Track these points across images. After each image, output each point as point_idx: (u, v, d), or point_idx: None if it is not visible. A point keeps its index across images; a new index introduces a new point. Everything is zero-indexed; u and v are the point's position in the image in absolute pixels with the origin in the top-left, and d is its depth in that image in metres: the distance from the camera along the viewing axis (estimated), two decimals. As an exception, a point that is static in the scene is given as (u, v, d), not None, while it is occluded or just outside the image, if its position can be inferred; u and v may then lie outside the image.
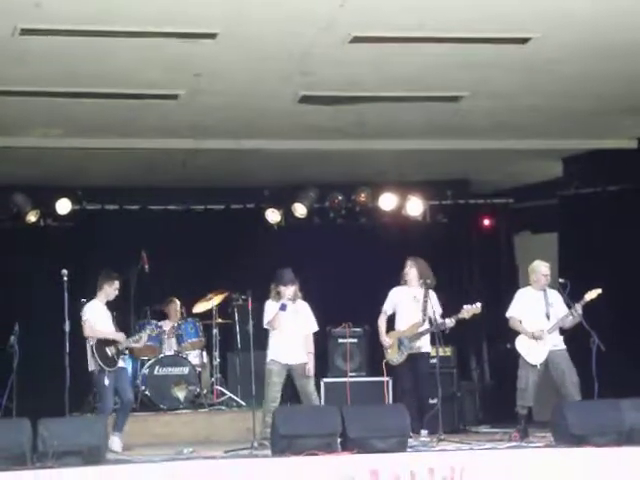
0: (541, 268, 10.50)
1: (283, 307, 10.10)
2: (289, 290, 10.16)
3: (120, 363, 10.27)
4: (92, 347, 10.20)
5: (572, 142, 11.90)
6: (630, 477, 8.80)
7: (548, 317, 10.35)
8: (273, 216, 13.50)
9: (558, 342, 10.35)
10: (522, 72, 9.35)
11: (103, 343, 10.22)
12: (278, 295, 10.18)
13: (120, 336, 10.34)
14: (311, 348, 10.31)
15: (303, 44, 8.51)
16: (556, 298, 10.41)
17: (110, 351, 10.22)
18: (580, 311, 10.17)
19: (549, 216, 13.15)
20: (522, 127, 11.27)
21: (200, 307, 12.85)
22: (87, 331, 10.25)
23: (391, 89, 9.97)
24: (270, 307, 10.23)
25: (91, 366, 10.23)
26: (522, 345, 10.37)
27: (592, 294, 10.17)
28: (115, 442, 10.02)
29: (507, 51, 8.76)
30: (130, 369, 11.30)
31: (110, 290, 10.33)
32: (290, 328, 10.15)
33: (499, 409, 11.97)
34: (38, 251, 12.72)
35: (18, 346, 9.77)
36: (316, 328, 10.51)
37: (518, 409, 10.32)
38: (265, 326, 10.25)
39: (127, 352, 10.59)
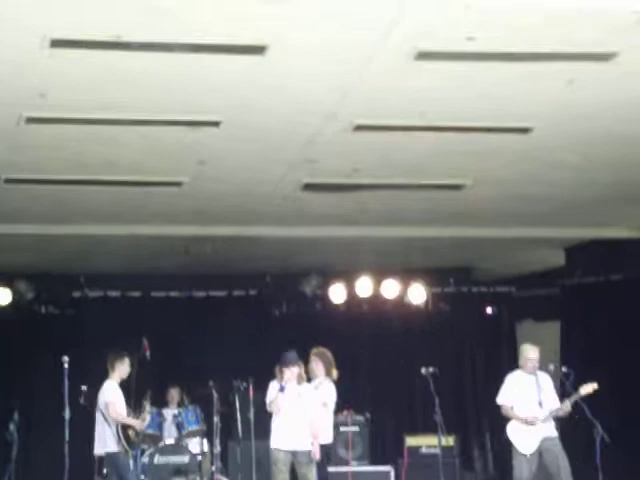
0: (527, 352, 10.42)
1: (282, 389, 9.98)
2: (291, 371, 10.06)
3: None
4: (117, 429, 10.19)
5: (574, 231, 11.92)
6: None
7: (541, 404, 10.22)
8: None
9: (551, 430, 10.22)
10: (524, 161, 9.39)
11: (125, 426, 10.19)
12: (282, 377, 10.09)
13: (137, 422, 10.27)
14: (316, 432, 10.12)
15: (306, 133, 8.56)
16: (547, 383, 10.32)
17: (132, 433, 10.18)
18: (569, 408, 10.03)
19: (551, 305, 13.12)
20: (524, 215, 11.30)
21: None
22: (113, 413, 10.25)
23: (394, 177, 10.00)
24: (273, 388, 10.14)
25: (112, 447, 10.16)
26: (513, 433, 10.25)
27: (588, 388, 10.02)
28: None
29: (509, 140, 8.81)
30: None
31: (123, 368, 10.33)
32: (293, 412, 10.01)
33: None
34: (39, 338, 12.68)
35: (17, 434, 9.68)
36: (321, 413, 10.32)
37: None
38: (267, 408, 10.15)
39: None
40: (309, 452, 9.96)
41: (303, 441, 10.01)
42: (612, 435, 9.82)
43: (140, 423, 10.31)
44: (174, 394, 12.77)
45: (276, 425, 10.07)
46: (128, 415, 10.39)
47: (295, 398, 10.05)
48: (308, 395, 10.21)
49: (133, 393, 11.99)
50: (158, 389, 12.72)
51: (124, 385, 10.98)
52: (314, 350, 10.79)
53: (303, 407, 10.09)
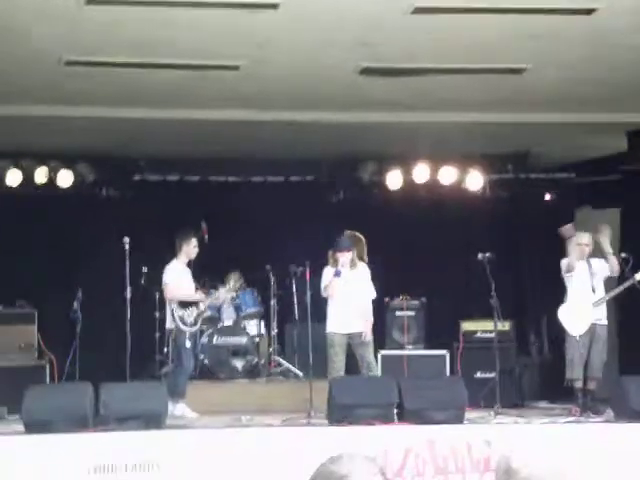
0: (578, 238, 10.47)
1: (338, 273, 10.11)
2: (345, 257, 10.16)
3: (197, 326, 10.46)
4: (172, 310, 10.44)
5: (636, 115, 11.74)
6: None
7: (594, 290, 10.32)
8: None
9: (602, 316, 10.32)
10: (586, 43, 9.23)
11: (184, 305, 10.40)
12: (335, 262, 10.20)
13: (200, 296, 10.47)
14: (368, 316, 10.32)
15: (365, 15, 8.48)
16: (599, 267, 10.37)
17: (191, 313, 10.39)
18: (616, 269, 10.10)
19: (612, 191, 12.99)
20: (586, 100, 11.14)
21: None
22: (168, 294, 10.47)
23: (453, 61, 9.89)
24: (327, 273, 10.27)
25: (170, 325, 10.44)
26: (564, 316, 10.36)
27: None
28: (181, 409, 10.18)
29: (572, 22, 8.65)
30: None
31: (189, 249, 10.50)
32: (347, 296, 10.15)
33: (558, 384, 11.90)
34: (100, 220, 12.87)
35: (81, 312, 9.92)
36: (374, 295, 10.53)
37: (567, 382, 10.32)
38: (322, 293, 10.30)
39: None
40: (362, 333, 10.13)
41: (358, 323, 10.16)
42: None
43: (202, 297, 10.49)
44: (233, 277, 12.92)
45: (332, 309, 10.23)
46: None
47: (349, 282, 10.18)
48: (361, 278, 10.33)
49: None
50: (216, 273, 12.90)
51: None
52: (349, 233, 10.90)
53: (357, 291, 10.22)
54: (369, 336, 10.27)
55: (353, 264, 10.28)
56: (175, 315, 10.43)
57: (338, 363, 10.05)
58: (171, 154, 13.10)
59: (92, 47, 9.18)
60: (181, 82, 10.31)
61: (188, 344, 10.48)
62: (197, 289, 10.69)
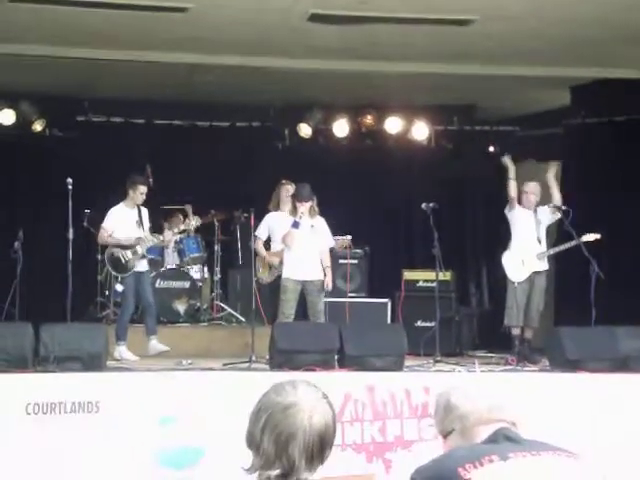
0: (525, 186, 10.63)
1: (295, 224, 10.11)
2: (304, 206, 10.17)
3: (139, 267, 10.41)
4: (105, 255, 10.47)
5: (580, 70, 11.84)
6: (624, 402, 8.94)
7: (539, 240, 10.51)
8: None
9: (543, 266, 10.52)
10: (533, -4, 9.29)
11: (119, 248, 10.37)
12: (295, 210, 10.19)
13: (129, 241, 10.39)
14: (329, 263, 10.37)
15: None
16: (544, 215, 10.54)
17: (124, 256, 10.36)
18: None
19: (554, 145, 13.12)
20: (531, 54, 11.21)
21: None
22: (99, 239, 10.47)
23: (401, 10, 9.89)
24: (269, 220, 10.32)
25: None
26: (507, 262, 10.53)
27: (590, 237, 10.29)
28: (153, 346, 10.22)
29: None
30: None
31: (135, 195, 10.43)
32: (306, 244, 10.17)
33: (497, 335, 12.08)
34: (43, 160, 12.74)
35: (22, 252, 9.84)
36: (333, 243, 10.61)
37: (505, 329, 10.51)
38: (255, 233, 10.36)
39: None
40: (321, 282, 10.17)
41: (315, 272, 10.20)
42: (606, 274, 10.03)
43: (137, 239, 10.45)
44: (177, 219, 12.87)
45: (289, 257, 10.22)
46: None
47: (308, 231, 10.19)
48: (321, 227, 10.35)
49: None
50: (160, 215, 12.85)
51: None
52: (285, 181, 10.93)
53: (316, 240, 10.24)
54: (330, 285, 10.31)
55: (312, 213, 10.28)
56: (107, 261, 10.49)
57: (288, 310, 10.08)
58: (117, 96, 12.97)
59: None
60: (129, 23, 10.20)
61: (119, 288, 10.50)
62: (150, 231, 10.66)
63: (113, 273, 10.60)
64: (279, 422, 2.71)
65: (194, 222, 11.31)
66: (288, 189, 10.84)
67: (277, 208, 10.84)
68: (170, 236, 11.11)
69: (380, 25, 10.26)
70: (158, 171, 12.16)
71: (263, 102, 13.34)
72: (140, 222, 10.51)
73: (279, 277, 10.36)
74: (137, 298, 10.46)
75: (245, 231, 11.90)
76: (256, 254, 10.57)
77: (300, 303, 10.25)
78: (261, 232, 10.61)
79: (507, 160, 10.95)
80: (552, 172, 10.84)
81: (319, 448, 2.72)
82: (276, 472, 2.69)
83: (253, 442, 2.75)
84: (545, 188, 10.77)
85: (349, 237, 11.17)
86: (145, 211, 10.63)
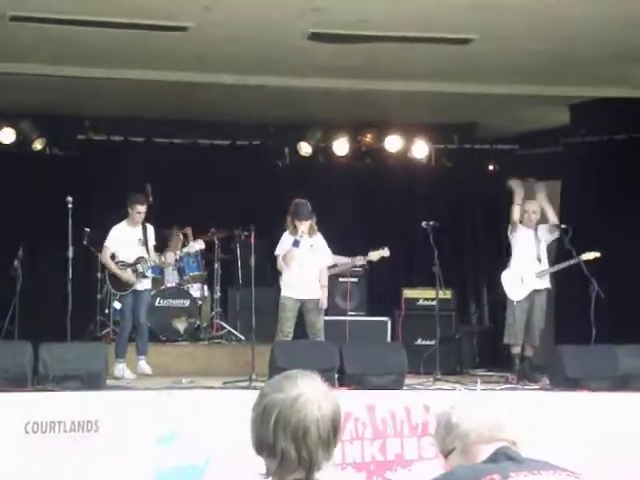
0: (526, 205, 10.62)
1: (295, 243, 10.12)
2: (304, 225, 10.17)
3: (138, 286, 10.41)
4: (106, 272, 10.49)
5: (579, 89, 11.87)
6: (623, 421, 8.92)
7: (539, 259, 10.49)
8: (279, 154, 13.46)
9: (543, 285, 10.51)
10: (532, 15, 9.29)
11: (117, 273, 10.39)
12: (295, 229, 10.19)
13: (126, 275, 10.41)
14: (326, 282, 10.38)
15: (315, -21, 8.47)
16: (544, 233, 10.54)
17: (125, 275, 10.37)
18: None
19: (554, 163, 13.14)
20: (530, 72, 11.23)
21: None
22: (102, 257, 10.49)
23: (401, 29, 9.92)
24: (285, 239, 10.27)
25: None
26: (506, 280, 10.51)
27: (589, 255, 10.29)
28: (140, 367, 10.21)
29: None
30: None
31: (133, 214, 10.45)
32: (305, 263, 10.18)
33: (497, 353, 12.07)
34: (43, 179, 12.75)
35: (22, 270, 9.83)
36: (331, 262, 10.60)
37: (507, 347, 10.49)
38: (276, 253, 10.31)
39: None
40: (318, 300, 10.17)
41: (313, 290, 10.20)
42: (606, 293, 10.02)
43: (128, 276, 10.45)
44: (176, 240, 12.88)
45: (288, 276, 10.22)
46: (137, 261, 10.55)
47: (307, 249, 10.19)
48: (320, 246, 10.35)
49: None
50: (161, 234, 12.84)
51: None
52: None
53: (315, 258, 10.24)
54: (325, 304, 10.32)
55: (312, 231, 10.29)
56: (106, 278, 10.54)
57: (287, 328, 10.08)
58: (117, 114, 12.99)
59: (38, 3, 9.06)
60: (129, 41, 10.22)
61: (118, 305, 10.52)
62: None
63: (112, 290, 10.60)
64: (291, 417, 2.64)
65: (197, 246, 11.34)
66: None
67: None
68: (171, 258, 11.11)
69: (380, 44, 10.28)
70: (158, 189, 12.15)
71: (263, 120, 13.37)
72: (144, 240, 10.53)
73: None
74: (134, 316, 10.46)
75: (245, 249, 11.88)
76: (280, 273, 10.56)
77: (300, 322, 10.24)
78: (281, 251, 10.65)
79: (514, 184, 10.90)
80: (542, 194, 10.77)
81: (333, 434, 2.68)
82: (295, 476, 2.64)
83: (265, 445, 2.67)
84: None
85: (386, 250, 11.09)
86: (151, 229, 10.67)
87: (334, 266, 11.17)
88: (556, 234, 10.50)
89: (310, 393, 2.68)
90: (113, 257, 10.53)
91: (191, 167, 13.22)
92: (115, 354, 10.18)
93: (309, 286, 10.18)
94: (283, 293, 10.19)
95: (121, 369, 10.14)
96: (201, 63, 11.07)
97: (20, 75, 11.07)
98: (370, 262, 11.28)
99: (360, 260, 11.17)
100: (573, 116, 12.70)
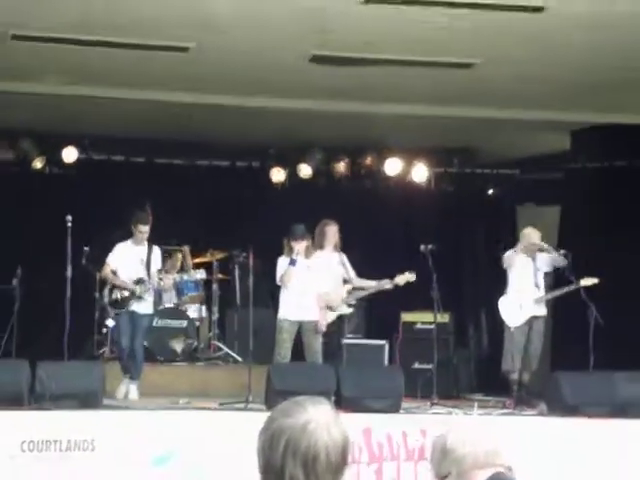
0: (530, 236, 10.60)
1: (292, 262, 10.11)
2: (300, 245, 10.16)
3: (136, 307, 10.38)
4: (105, 290, 10.47)
5: (580, 115, 11.89)
6: (622, 449, 8.89)
7: (537, 285, 10.48)
8: (278, 175, 13.51)
9: (541, 311, 10.50)
10: (535, 41, 9.34)
11: (118, 285, 10.38)
12: (290, 251, 10.19)
13: (129, 286, 10.39)
14: (323, 304, 10.34)
15: (317, 2, 8.49)
16: (543, 261, 10.52)
17: (120, 294, 10.34)
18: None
19: (554, 189, 13.15)
20: (532, 98, 11.26)
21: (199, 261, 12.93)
22: (102, 272, 10.47)
23: (403, 53, 9.94)
24: (282, 263, 10.25)
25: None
26: (503, 307, 10.50)
27: (587, 281, 10.28)
28: (130, 390, 10.15)
29: (522, 19, 8.75)
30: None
31: (136, 232, 10.44)
32: (302, 284, 10.16)
33: (495, 378, 12.02)
34: (43, 197, 12.75)
35: (20, 289, 9.82)
36: (327, 289, 10.50)
37: (504, 373, 10.47)
38: (278, 282, 10.29)
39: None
40: (316, 322, 10.15)
41: (311, 312, 10.18)
42: (604, 319, 10.00)
43: (131, 287, 10.43)
44: (174, 260, 12.88)
45: (285, 297, 10.21)
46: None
47: (304, 271, 10.18)
48: (318, 267, 10.33)
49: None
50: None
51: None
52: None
53: (313, 279, 10.22)
54: (324, 327, 10.29)
55: (308, 252, 10.28)
56: (105, 295, 10.51)
57: (284, 350, 10.05)
58: (116, 134, 13.00)
59: (40, 22, 9.09)
60: (129, 61, 10.25)
61: (110, 323, 10.48)
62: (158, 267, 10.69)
63: (107, 308, 10.53)
64: (301, 443, 2.61)
65: (199, 276, 11.36)
66: (334, 229, 10.83)
67: (321, 248, 10.79)
68: (170, 282, 11.09)
69: (381, 67, 10.31)
70: (157, 209, 12.13)
71: (263, 142, 13.38)
72: (147, 261, 10.50)
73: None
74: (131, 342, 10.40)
75: (243, 270, 11.86)
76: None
77: (297, 344, 10.22)
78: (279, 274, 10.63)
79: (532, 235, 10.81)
80: (536, 238, 10.71)
81: (342, 460, 2.65)
82: None
83: (272, 470, 2.64)
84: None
85: (413, 275, 11.03)
86: (157, 251, 10.64)
87: (361, 289, 11.12)
88: (562, 263, 10.43)
89: (320, 419, 2.65)
90: (114, 274, 10.53)
91: (190, 188, 13.22)
92: (130, 376, 10.18)
93: (306, 308, 10.16)
94: (280, 315, 10.18)
95: (122, 389, 10.07)
96: (202, 84, 11.09)
97: (20, 94, 11.08)
98: (396, 286, 11.07)
99: (387, 284, 10.99)
100: (574, 142, 12.72)
